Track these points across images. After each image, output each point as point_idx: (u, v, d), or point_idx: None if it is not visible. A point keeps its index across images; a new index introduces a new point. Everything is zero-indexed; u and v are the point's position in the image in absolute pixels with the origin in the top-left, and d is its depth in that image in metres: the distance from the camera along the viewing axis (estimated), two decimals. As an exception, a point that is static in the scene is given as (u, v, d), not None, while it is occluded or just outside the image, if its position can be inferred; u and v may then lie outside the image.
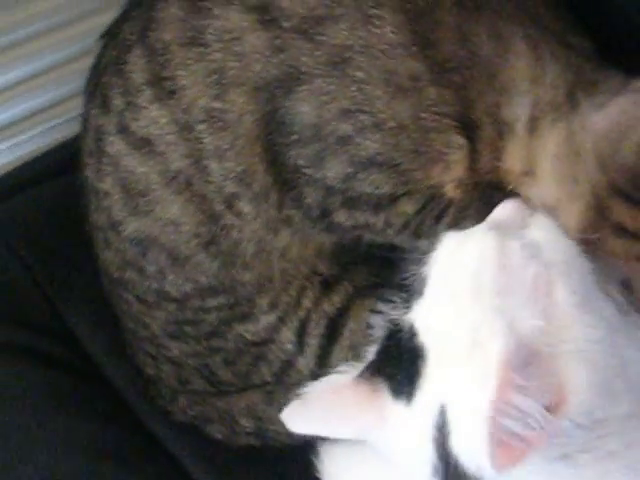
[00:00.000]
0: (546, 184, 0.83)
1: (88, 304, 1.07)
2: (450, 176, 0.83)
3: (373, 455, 0.90)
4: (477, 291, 0.67)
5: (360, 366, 0.74)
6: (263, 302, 0.93)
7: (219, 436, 1.01)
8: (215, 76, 0.84)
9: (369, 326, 0.86)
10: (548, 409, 0.61)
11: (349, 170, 0.84)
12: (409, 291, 0.73)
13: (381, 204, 0.86)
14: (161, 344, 0.98)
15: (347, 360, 0.85)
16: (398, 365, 0.70)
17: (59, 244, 1.10)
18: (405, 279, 0.75)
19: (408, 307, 0.72)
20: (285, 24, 0.82)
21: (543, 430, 0.60)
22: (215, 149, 0.85)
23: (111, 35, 0.93)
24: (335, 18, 0.82)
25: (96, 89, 0.93)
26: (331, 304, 0.93)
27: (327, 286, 0.94)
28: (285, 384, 0.97)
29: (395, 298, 0.75)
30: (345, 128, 0.82)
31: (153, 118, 0.86)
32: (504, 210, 0.76)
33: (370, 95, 0.81)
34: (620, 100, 0.82)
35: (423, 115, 0.81)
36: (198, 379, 0.99)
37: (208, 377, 0.99)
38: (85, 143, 0.95)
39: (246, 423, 1.00)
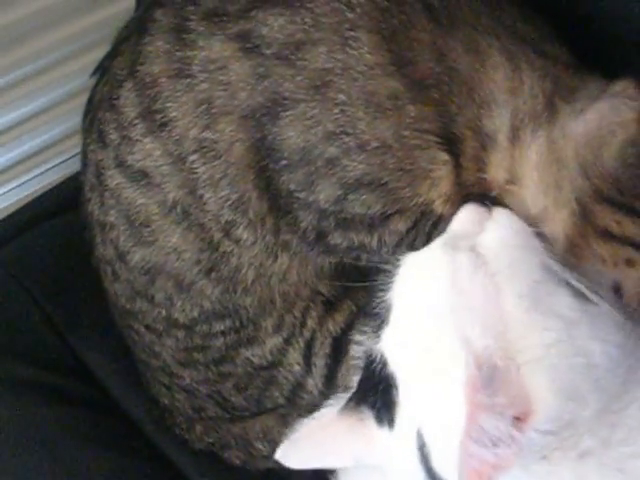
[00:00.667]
0: (531, 193, 0.82)
1: (100, 337, 1.08)
2: (437, 192, 0.82)
3: (390, 472, 0.90)
4: (435, 313, 0.67)
5: (345, 396, 0.75)
6: (268, 325, 0.93)
7: (237, 461, 1.01)
8: (204, 106, 0.84)
9: (353, 357, 0.86)
10: (516, 423, 0.61)
11: (339, 192, 0.84)
12: (378, 320, 0.73)
13: (374, 224, 0.86)
14: (173, 373, 0.98)
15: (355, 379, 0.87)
16: (376, 395, 0.71)
17: (68, 279, 1.11)
18: (375, 307, 0.75)
19: (378, 336, 0.72)
20: (266, 51, 0.82)
21: (512, 449, 0.60)
22: (209, 178, 0.85)
23: (103, 70, 0.94)
24: (314, 42, 0.81)
25: (92, 124, 0.93)
26: (335, 324, 0.93)
27: (330, 306, 0.94)
28: (298, 406, 0.96)
29: (367, 328, 0.76)
30: (331, 151, 0.82)
31: (147, 151, 0.87)
32: (462, 217, 0.75)
33: (352, 117, 0.81)
34: (598, 106, 0.81)
35: (405, 133, 0.81)
36: (212, 406, 0.99)
37: (221, 403, 0.99)
38: (86, 178, 0.95)
39: (262, 447, 1.00)
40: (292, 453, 0.75)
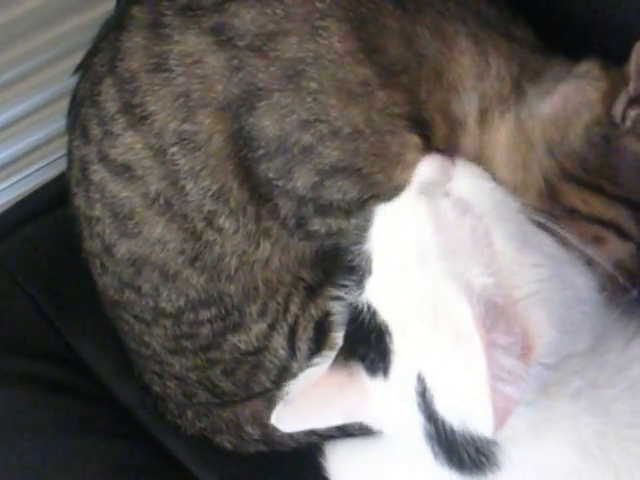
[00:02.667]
0: (500, 174, 0.81)
1: (94, 329, 1.07)
2: (411, 176, 0.82)
3: (377, 450, 0.90)
4: (422, 259, 0.66)
5: (332, 354, 0.74)
6: (252, 311, 0.92)
7: (228, 446, 1.01)
8: (182, 99, 0.84)
9: (331, 314, 0.85)
10: (522, 357, 0.61)
11: (316, 179, 0.84)
12: (358, 272, 0.72)
13: (351, 209, 0.85)
14: (164, 361, 0.98)
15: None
16: (367, 345, 0.70)
17: (61, 273, 1.10)
18: (351, 260, 0.74)
19: (361, 287, 0.71)
20: (240, 43, 0.82)
21: (522, 383, 0.60)
22: (190, 170, 0.85)
23: (84, 68, 0.93)
24: (285, 33, 0.81)
25: (76, 121, 0.93)
26: (317, 308, 0.93)
27: (312, 291, 0.93)
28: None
29: (347, 282, 0.74)
30: (306, 138, 0.82)
31: (128, 144, 0.87)
32: (426, 168, 0.75)
33: (324, 104, 0.81)
34: (564, 87, 0.82)
35: (376, 118, 0.81)
36: (202, 392, 0.99)
37: (211, 389, 0.98)
38: (72, 173, 0.95)
39: (252, 431, 0.99)
40: (286, 416, 0.73)
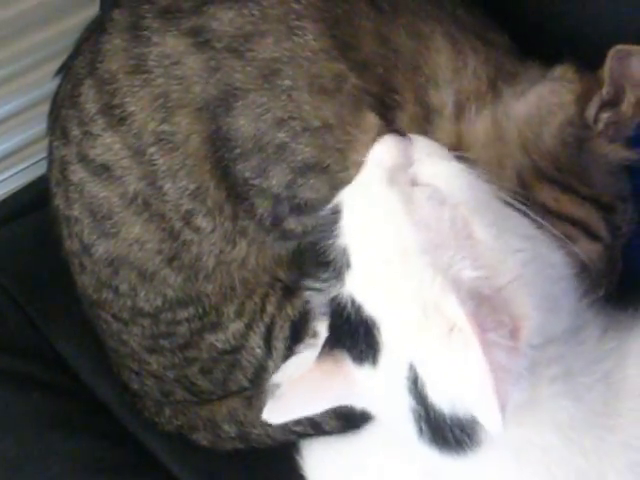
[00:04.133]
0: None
1: (73, 327, 1.05)
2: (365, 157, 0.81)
3: (351, 448, 0.90)
4: (404, 254, 0.66)
5: (314, 342, 0.74)
6: (229, 311, 0.92)
7: (205, 443, 1.00)
8: (160, 100, 0.84)
9: (307, 312, 0.85)
10: (513, 342, 0.61)
11: (290, 177, 0.84)
12: (334, 265, 0.72)
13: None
14: (141, 359, 0.97)
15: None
16: (354, 339, 0.70)
17: (41, 272, 1.09)
18: (324, 253, 0.73)
19: (340, 280, 0.71)
20: (217, 45, 0.82)
21: (517, 370, 0.61)
22: (168, 169, 0.85)
23: (66, 70, 0.93)
24: (262, 33, 0.81)
25: (56, 122, 0.93)
26: (293, 308, 0.92)
27: (288, 292, 0.93)
28: (262, 388, 0.96)
29: (323, 275, 0.74)
30: (281, 136, 0.82)
31: (107, 145, 0.86)
32: (384, 149, 0.74)
33: (298, 101, 0.81)
34: (539, 88, 0.82)
35: (345, 106, 0.81)
36: (179, 390, 0.98)
37: (188, 387, 0.97)
38: (52, 174, 0.94)
39: (229, 428, 0.98)
40: (277, 411, 0.73)
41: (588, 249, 0.80)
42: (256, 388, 0.96)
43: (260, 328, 0.92)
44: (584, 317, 0.71)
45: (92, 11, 1.08)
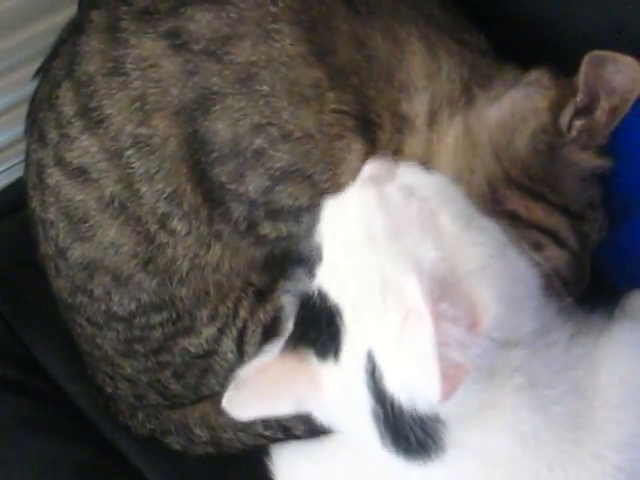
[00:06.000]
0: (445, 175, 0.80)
1: (49, 329, 1.04)
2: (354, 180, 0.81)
3: (321, 453, 0.89)
4: (370, 241, 0.65)
5: (282, 341, 0.71)
6: (203, 315, 0.90)
7: (177, 447, 0.98)
8: (137, 103, 0.82)
9: (282, 306, 0.84)
10: (470, 330, 0.60)
11: (267, 183, 0.82)
12: (308, 263, 0.70)
13: (302, 215, 0.84)
14: (115, 363, 0.95)
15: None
16: (318, 329, 0.67)
17: (18, 275, 1.08)
18: (300, 253, 0.73)
19: (312, 276, 0.69)
20: (195, 47, 0.81)
21: (472, 352, 0.59)
22: (144, 172, 0.83)
23: (44, 72, 0.91)
24: (239, 36, 0.80)
25: (33, 125, 0.91)
26: (266, 313, 0.90)
27: (261, 296, 0.91)
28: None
29: (298, 274, 0.73)
30: (258, 142, 0.81)
31: (84, 148, 0.84)
32: (371, 166, 0.73)
33: (276, 107, 0.80)
34: (513, 93, 0.81)
35: (326, 120, 0.80)
36: (152, 394, 0.96)
37: (161, 391, 0.95)
38: (29, 177, 0.93)
39: (201, 433, 0.96)
40: (237, 401, 0.71)
41: (556, 257, 0.80)
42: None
43: (232, 333, 0.90)
44: (550, 323, 0.70)
45: (70, 12, 1.05)
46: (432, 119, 0.81)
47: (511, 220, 0.78)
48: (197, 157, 0.83)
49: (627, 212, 0.85)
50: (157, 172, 0.83)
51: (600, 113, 0.78)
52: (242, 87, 0.80)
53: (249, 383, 0.71)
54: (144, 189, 0.84)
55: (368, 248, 0.65)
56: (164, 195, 0.84)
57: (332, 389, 0.68)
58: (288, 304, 0.74)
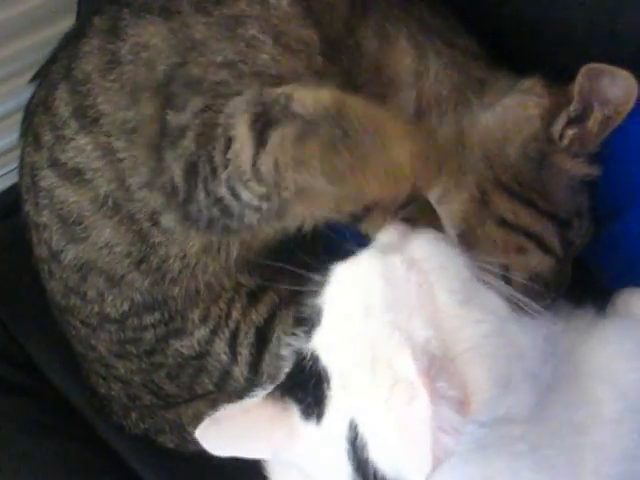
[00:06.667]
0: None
1: (44, 329, 1.04)
2: None
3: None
4: (367, 310, 0.65)
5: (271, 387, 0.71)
6: (195, 316, 0.90)
7: (171, 445, 0.99)
8: (128, 89, 0.81)
9: (283, 358, 0.81)
10: (459, 411, 0.59)
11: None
12: (309, 323, 0.71)
13: None
14: (109, 364, 0.95)
15: (277, 367, 0.84)
16: (305, 389, 0.68)
17: (13, 276, 1.08)
18: (305, 313, 0.73)
19: (309, 337, 0.70)
20: (185, 7, 0.80)
21: (460, 434, 0.58)
22: (129, 161, 0.82)
23: (41, 77, 0.91)
24: None
25: (29, 128, 0.91)
26: (258, 314, 0.90)
27: (253, 297, 0.91)
28: (227, 391, 0.94)
29: (298, 332, 0.73)
30: (223, 75, 0.78)
31: (80, 147, 0.84)
32: (386, 233, 0.74)
33: (257, 49, 0.78)
34: (507, 100, 0.82)
35: (307, 78, 0.78)
36: (146, 394, 0.96)
37: (155, 391, 0.96)
38: (23, 180, 0.93)
39: (194, 431, 0.97)
40: (211, 434, 0.70)
41: (539, 262, 0.80)
42: (221, 392, 0.95)
43: (225, 334, 0.90)
44: (552, 392, 0.69)
45: (69, 23, 1.07)
46: (418, 118, 0.81)
47: (497, 223, 0.79)
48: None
49: (617, 212, 0.86)
50: (141, 164, 0.82)
51: (592, 123, 0.78)
52: (226, 31, 0.78)
53: (228, 420, 0.70)
54: (132, 182, 0.83)
55: (364, 317, 0.65)
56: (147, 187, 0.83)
57: (310, 448, 0.68)
58: (288, 356, 0.73)
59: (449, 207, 0.81)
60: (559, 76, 0.82)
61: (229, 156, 0.75)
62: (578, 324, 0.77)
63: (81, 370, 1.01)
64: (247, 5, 0.79)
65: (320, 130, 0.72)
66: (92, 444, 1.01)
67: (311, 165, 0.72)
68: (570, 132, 0.79)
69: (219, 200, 0.78)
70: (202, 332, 0.91)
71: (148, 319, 0.90)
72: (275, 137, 0.73)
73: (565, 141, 0.79)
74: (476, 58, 0.84)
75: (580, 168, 0.81)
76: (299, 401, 0.68)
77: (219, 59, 0.78)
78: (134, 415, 0.99)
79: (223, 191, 0.77)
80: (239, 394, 0.86)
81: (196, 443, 0.97)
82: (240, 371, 0.92)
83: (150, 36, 0.80)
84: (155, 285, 0.88)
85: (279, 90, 0.75)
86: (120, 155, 0.82)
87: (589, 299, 0.83)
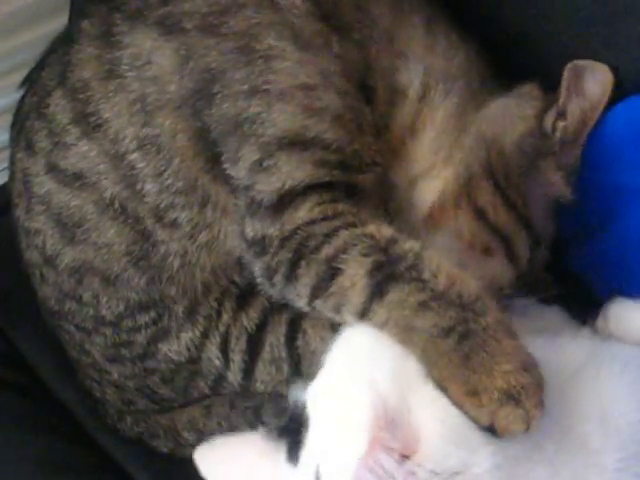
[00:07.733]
0: (422, 149, 0.83)
1: (37, 330, 1.02)
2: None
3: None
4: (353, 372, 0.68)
5: None
6: (186, 317, 0.88)
7: (165, 449, 0.97)
8: (138, 105, 0.81)
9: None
10: (404, 459, 0.60)
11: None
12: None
13: None
14: (103, 369, 0.94)
15: (270, 374, 0.87)
16: (293, 433, 0.70)
17: (6, 276, 1.06)
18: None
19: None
20: (187, 25, 0.79)
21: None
22: (151, 171, 0.82)
23: (31, 82, 0.90)
24: (239, 5, 0.79)
25: (20, 134, 0.89)
26: (249, 319, 0.87)
27: (244, 300, 0.88)
28: (222, 398, 0.93)
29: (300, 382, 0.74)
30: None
31: (83, 153, 0.83)
32: None
33: (281, 57, 0.78)
34: (506, 100, 0.85)
35: (333, 72, 0.78)
36: (141, 399, 0.95)
37: (150, 396, 0.94)
38: (14, 185, 0.92)
39: (188, 436, 0.95)
40: (207, 457, 0.74)
41: (501, 270, 0.81)
42: (216, 396, 0.94)
43: (216, 338, 0.88)
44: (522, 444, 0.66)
45: (60, 22, 1.05)
46: (425, 92, 0.83)
47: (475, 215, 0.80)
48: (216, 151, 0.81)
49: (604, 221, 0.86)
50: (165, 169, 0.81)
51: (570, 115, 0.82)
52: (240, 55, 0.78)
53: (224, 449, 0.75)
54: (148, 187, 0.82)
55: (346, 372, 0.68)
56: (173, 189, 0.82)
57: None
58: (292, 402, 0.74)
59: (429, 183, 0.82)
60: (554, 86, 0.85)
61: (333, 288, 0.74)
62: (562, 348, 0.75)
63: (76, 373, 1.00)
64: (255, 12, 0.78)
65: (448, 313, 0.68)
66: (84, 444, 1.00)
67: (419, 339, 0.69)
68: (561, 124, 0.82)
69: None
70: (190, 335, 0.89)
71: (142, 319, 0.88)
72: (396, 293, 0.70)
73: (558, 134, 0.82)
74: (479, 54, 0.87)
75: (559, 184, 0.83)
76: (287, 444, 0.71)
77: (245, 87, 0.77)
78: (129, 419, 0.98)
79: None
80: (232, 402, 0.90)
81: (190, 447, 0.98)
82: (234, 377, 0.90)
83: (150, 51, 0.80)
84: (152, 283, 0.87)
85: (406, 245, 0.72)
86: (137, 165, 0.82)
87: (579, 310, 0.82)
